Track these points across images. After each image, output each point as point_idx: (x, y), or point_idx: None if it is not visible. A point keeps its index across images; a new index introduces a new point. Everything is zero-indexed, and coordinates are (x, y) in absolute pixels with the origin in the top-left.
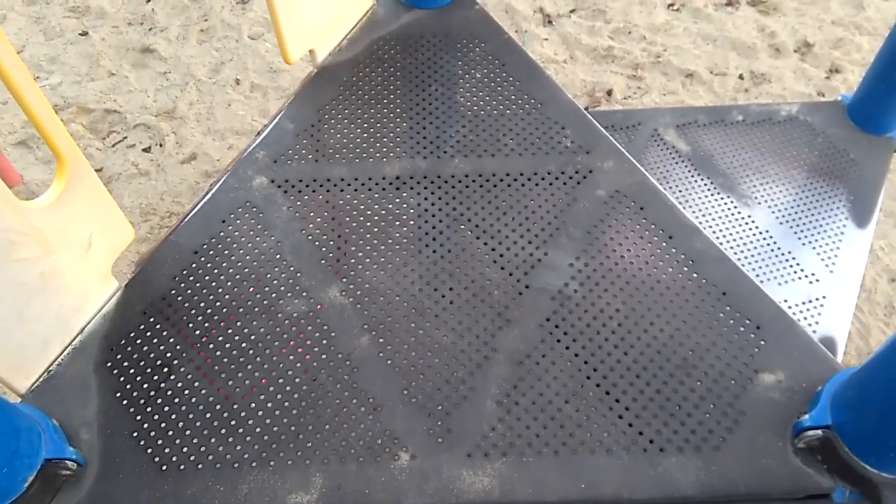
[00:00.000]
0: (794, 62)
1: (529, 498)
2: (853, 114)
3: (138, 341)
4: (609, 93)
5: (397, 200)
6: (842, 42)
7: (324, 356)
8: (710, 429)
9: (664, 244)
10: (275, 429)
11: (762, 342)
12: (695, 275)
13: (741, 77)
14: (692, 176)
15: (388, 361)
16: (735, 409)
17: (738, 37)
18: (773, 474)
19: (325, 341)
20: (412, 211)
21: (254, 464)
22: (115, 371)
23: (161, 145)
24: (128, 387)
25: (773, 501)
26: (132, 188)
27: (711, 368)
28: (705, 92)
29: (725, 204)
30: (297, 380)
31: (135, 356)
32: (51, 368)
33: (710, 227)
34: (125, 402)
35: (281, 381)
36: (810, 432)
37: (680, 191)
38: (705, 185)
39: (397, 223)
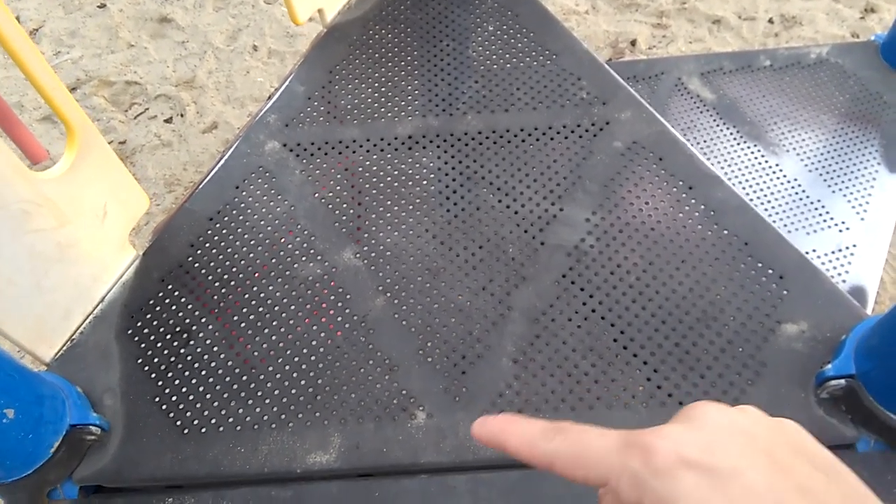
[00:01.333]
0: (826, 3)
1: None
2: (887, 54)
3: (157, 308)
4: (633, 43)
5: (410, 160)
6: None
7: (339, 318)
8: (730, 381)
9: (684, 195)
10: (293, 391)
11: (785, 292)
12: (715, 225)
13: (771, 21)
14: (717, 125)
15: (404, 322)
16: (756, 360)
17: None
18: None
19: (340, 304)
20: (425, 170)
21: (273, 425)
22: (136, 338)
23: (182, 115)
24: (148, 353)
25: None
26: (156, 159)
27: (732, 320)
28: (733, 38)
29: (752, 153)
30: (313, 342)
31: (154, 323)
32: (73, 337)
33: (737, 177)
34: (146, 368)
35: (298, 343)
36: (833, 382)
37: (705, 141)
38: (731, 134)
39: (410, 183)
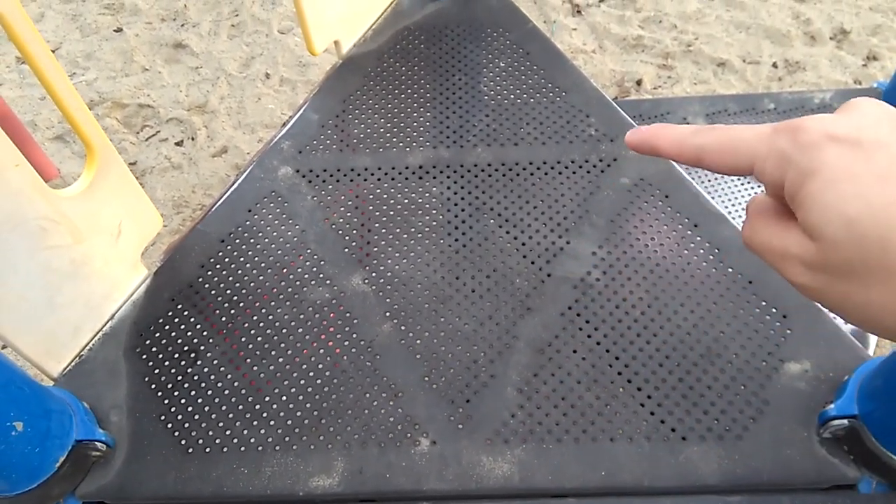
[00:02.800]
0: (829, 50)
1: (549, 484)
2: (889, 101)
3: (166, 327)
4: (639, 82)
5: (420, 189)
6: (880, 28)
7: (346, 343)
8: (733, 418)
9: (689, 232)
10: (298, 413)
11: (788, 331)
12: (720, 263)
13: (775, 65)
14: None
15: (410, 348)
16: (759, 398)
17: (772, 24)
18: (798, 464)
19: (347, 328)
20: (435, 200)
21: (277, 447)
22: (144, 356)
23: (193, 139)
24: (156, 371)
25: (798, 491)
26: (165, 181)
27: (736, 357)
28: (738, 81)
29: (756, 193)
30: (320, 366)
31: (163, 342)
32: (82, 353)
33: (741, 216)
34: (153, 386)
35: (304, 366)
36: (836, 422)
37: (710, 180)
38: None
39: (420, 212)
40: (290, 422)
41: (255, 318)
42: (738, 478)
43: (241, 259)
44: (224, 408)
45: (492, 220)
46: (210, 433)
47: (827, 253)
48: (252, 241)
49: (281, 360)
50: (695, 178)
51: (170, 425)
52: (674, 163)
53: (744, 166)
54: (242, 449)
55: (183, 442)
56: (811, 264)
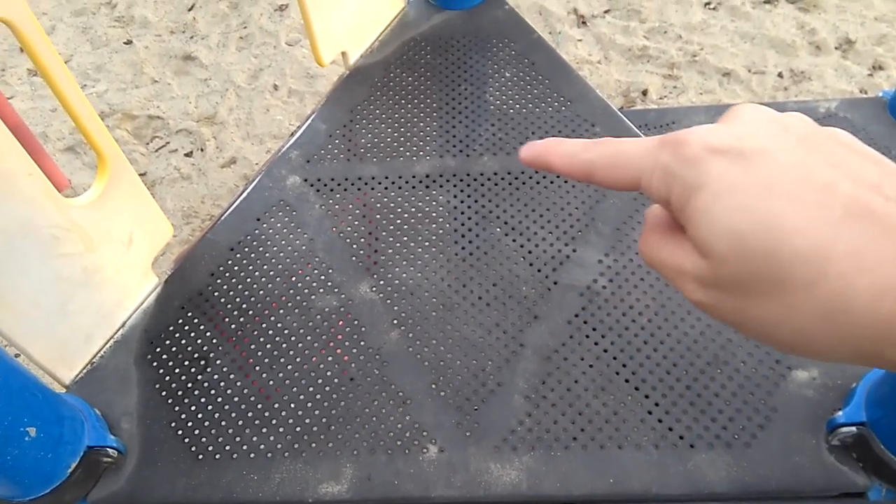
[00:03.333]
0: (835, 59)
1: (557, 492)
2: (895, 110)
3: (177, 335)
4: (644, 93)
5: (427, 198)
6: (885, 38)
7: (354, 350)
8: (741, 425)
9: None
10: (307, 420)
11: None
12: None
13: (780, 75)
14: None
15: (417, 356)
16: (767, 405)
17: (777, 35)
18: (806, 471)
19: (355, 336)
20: (442, 208)
21: (286, 454)
22: (155, 364)
23: (202, 150)
24: (166, 379)
25: (807, 499)
26: (174, 192)
27: (744, 364)
28: (743, 91)
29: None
30: (328, 373)
31: (173, 349)
32: (93, 360)
33: None
34: (164, 393)
35: (313, 374)
36: (844, 429)
37: None
38: None
39: (427, 220)
40: (298, 428)
41: (263, 325)
42: (747, 485)
43: (250, 267)
44: (234, 415)
45: (498, 229)
46: (220, 440)
47: (717, 269)
48: (261, 249)
49: (290, 367)
50: None
51: (180, 432)
52: None
53: (632, 182)
54: (252, 455)
55: (193, 448)
56: (704, 281)
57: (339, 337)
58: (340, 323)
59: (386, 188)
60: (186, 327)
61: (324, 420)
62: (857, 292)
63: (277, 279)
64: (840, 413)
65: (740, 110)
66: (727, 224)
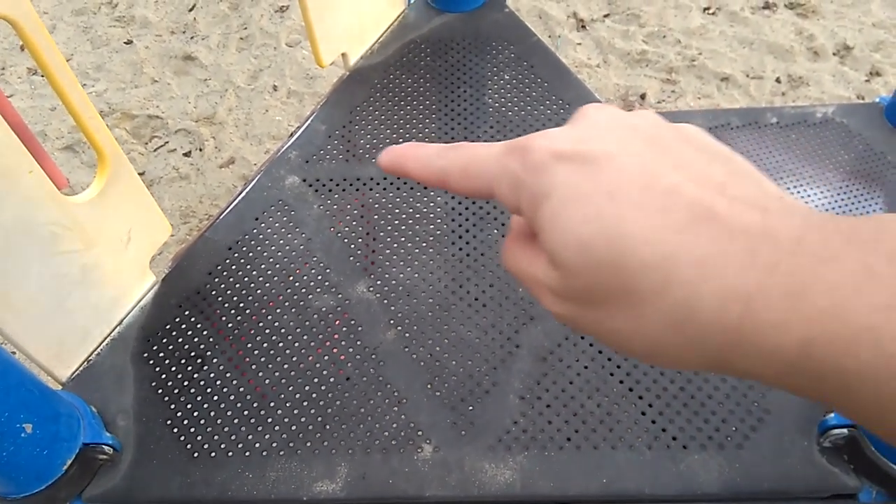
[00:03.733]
0: (832, 65)
1: (551, 491)
2: (891, 116)
3: (173, 333)
4: (643, 96)
5: (425, 199)
6: (883, 45)
7: (351, 350)
8: (734, 427)
9: None
10: (302, 419)
11: None
12: None
13: (778, 81)
14: None
15: (414, 356)
16: (760, 407)
17: (776, 40)
18: (798, 473)
19: (352, 335)
20: (439, 210)
21: (282, 452)
22: (152, 361)
23: (201, 150)
24: (163, 377)
25: (798, 500)
26: (172, 191)
27: None
28: (741, 95)
29: None
30: (324, 372)
31: (170, 347)
32: (90, 358)
33: None
34: (160, 391)
35: (309, 373)
36: (836, 431)
37: None
38: None
39: (424, 221)
40: (294, 427)
41: (261, 324)
42: (739, 486)
43: (248, 266)
44: (230, 413)
45: (495, 230)
46: (215, 438)
47: (568, 280)
48: (259, 248)
49: (286, 366)
50: None
51: (176, 430)
52: None
53: (484, 189)
54: (247, 454)
55: (189, 446)
56: (557, 293)
57: (336, 336)
58: (337, 322)
59: (384, 189)
60: (183, 326)
61: (319, 419)
62: (703, 300)
63: (275, 278)
64: (831, 415)
65: (587, 111)
66: (574, 234)
